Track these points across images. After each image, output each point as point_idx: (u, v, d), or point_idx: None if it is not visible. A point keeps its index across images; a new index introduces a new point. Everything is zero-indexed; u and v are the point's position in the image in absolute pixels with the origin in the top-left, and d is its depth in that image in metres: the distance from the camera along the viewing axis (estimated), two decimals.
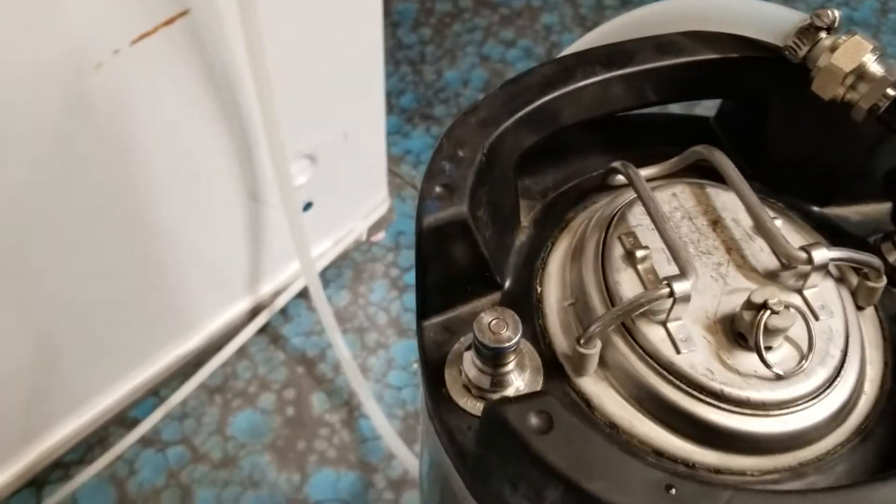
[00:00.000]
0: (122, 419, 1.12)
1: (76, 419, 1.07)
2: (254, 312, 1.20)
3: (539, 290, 0.45)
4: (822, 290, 0.42)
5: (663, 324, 0.40)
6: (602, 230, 0.44)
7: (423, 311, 0.43)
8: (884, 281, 0.43)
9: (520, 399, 0.36)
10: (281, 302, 1.20)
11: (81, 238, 0.90)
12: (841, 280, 0.44)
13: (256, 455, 1.11)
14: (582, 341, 0.40)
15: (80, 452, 1.10)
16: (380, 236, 1.30)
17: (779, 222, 0.44)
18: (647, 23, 0.50)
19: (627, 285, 0.42)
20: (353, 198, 1.24)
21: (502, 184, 0.45)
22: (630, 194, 0.46)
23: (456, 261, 0.42)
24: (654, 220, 0.42)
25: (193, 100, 0.89)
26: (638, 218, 0.44)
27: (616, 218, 0.45)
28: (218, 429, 1.13)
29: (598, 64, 0.46)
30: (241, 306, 1.19)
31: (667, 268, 0.42)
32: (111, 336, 1.05)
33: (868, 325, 0.44)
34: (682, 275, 0.40)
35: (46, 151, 0.79)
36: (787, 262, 0.42)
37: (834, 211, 0.50)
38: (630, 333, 0.41)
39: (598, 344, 0.40)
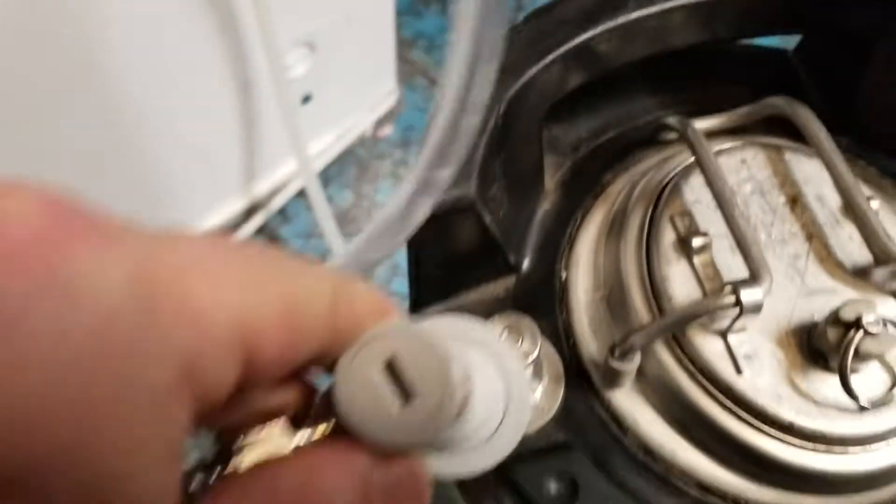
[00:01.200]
0: None
1: None
2: (249, 212, 1.11)
3: (564, 275, 0.36)
4: None
5: (723, 335, 0.32)
6: (649, 205, 0.35)
7: (416, 302, 0.35)
8: None
9: (536, 455, 0.28)
10: (279, 202, 1.11)
11: (53, 126, 0.80)
12: None
13: None
14: (616, 353, 0.32)
15: None
16: (387, 131, 1.20)
17: (875, 203, 0.34)
18: None
19: (679, 283, 0.33)
20: (357, 89, 1.13)
21: (523, 145, 0.35)
22: (685, 155, 0.37)
23: (459, 246, 0.33)
24: (718, 202, 0.33)
25: None
26: (696, 192, 0.35)
27: (668, 190, 0.35)
28: None
29: None
30: (236, 205, 1.10)
31: (730, 259, 0.33)
32: None
33: None
34: (753, 279, 0.31)
35: None
36: (883, 258, 0.33)
37: None
38: (679, 344, 0.32)
39: (638, 358, 0.32)
